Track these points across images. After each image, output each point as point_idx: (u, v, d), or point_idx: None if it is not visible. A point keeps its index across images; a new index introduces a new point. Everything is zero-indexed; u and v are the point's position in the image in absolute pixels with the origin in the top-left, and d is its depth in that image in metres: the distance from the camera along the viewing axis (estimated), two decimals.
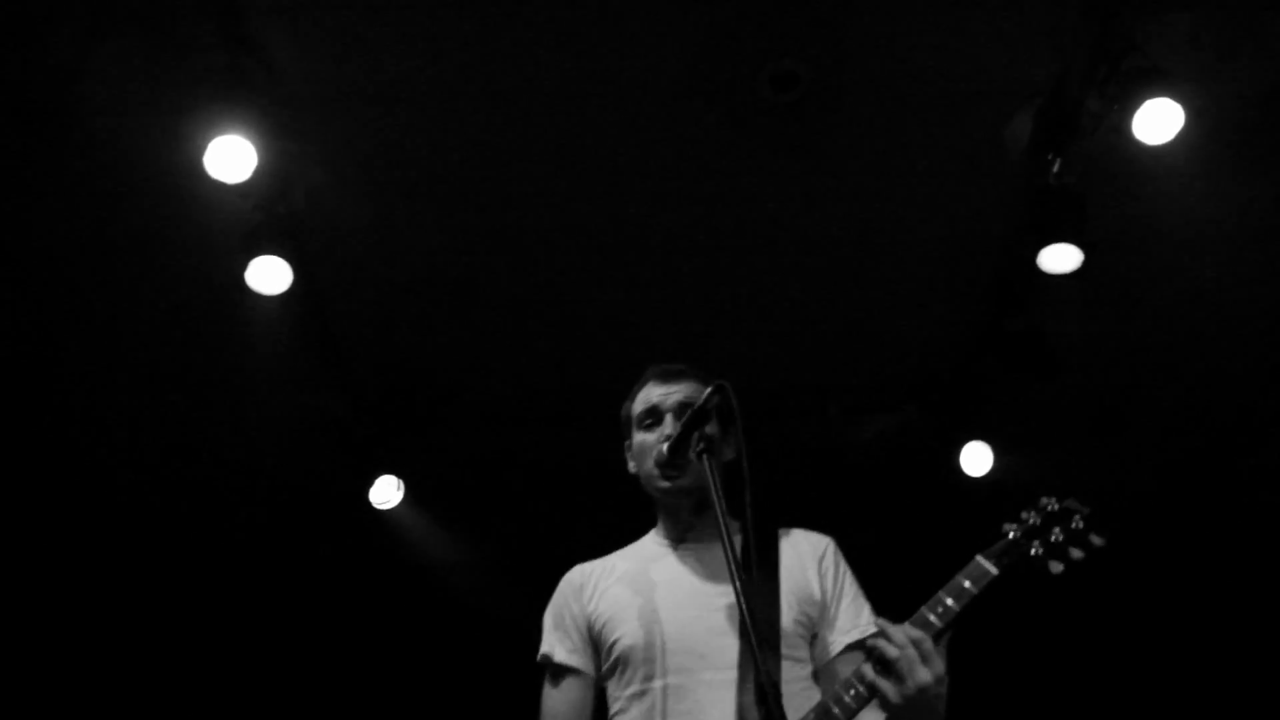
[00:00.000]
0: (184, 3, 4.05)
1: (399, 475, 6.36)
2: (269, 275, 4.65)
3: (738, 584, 2.11)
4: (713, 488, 2.30)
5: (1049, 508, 2.42)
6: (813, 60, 4.48)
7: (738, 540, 2.62)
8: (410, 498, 6.41)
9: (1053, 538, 2.37)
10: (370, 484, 6.29)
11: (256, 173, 4.25)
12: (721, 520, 2.22)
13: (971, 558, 2.37)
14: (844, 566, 2.75)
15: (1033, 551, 2.36)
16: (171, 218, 4.83)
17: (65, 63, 4.26)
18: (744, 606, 2.09)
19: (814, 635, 2.60)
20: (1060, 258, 4.78)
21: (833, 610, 2.63)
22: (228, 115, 4.14)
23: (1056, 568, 2.35)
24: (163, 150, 4.42)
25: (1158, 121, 4.18)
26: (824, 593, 2.64)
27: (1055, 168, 4.68)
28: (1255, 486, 6.78)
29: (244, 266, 4.61)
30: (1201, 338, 5.78)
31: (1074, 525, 2.38)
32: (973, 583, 2.32)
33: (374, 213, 5.03)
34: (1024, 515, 2.43)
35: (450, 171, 4.90)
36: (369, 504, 6.31)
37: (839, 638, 2.59)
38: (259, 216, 4.60)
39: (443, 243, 5.24)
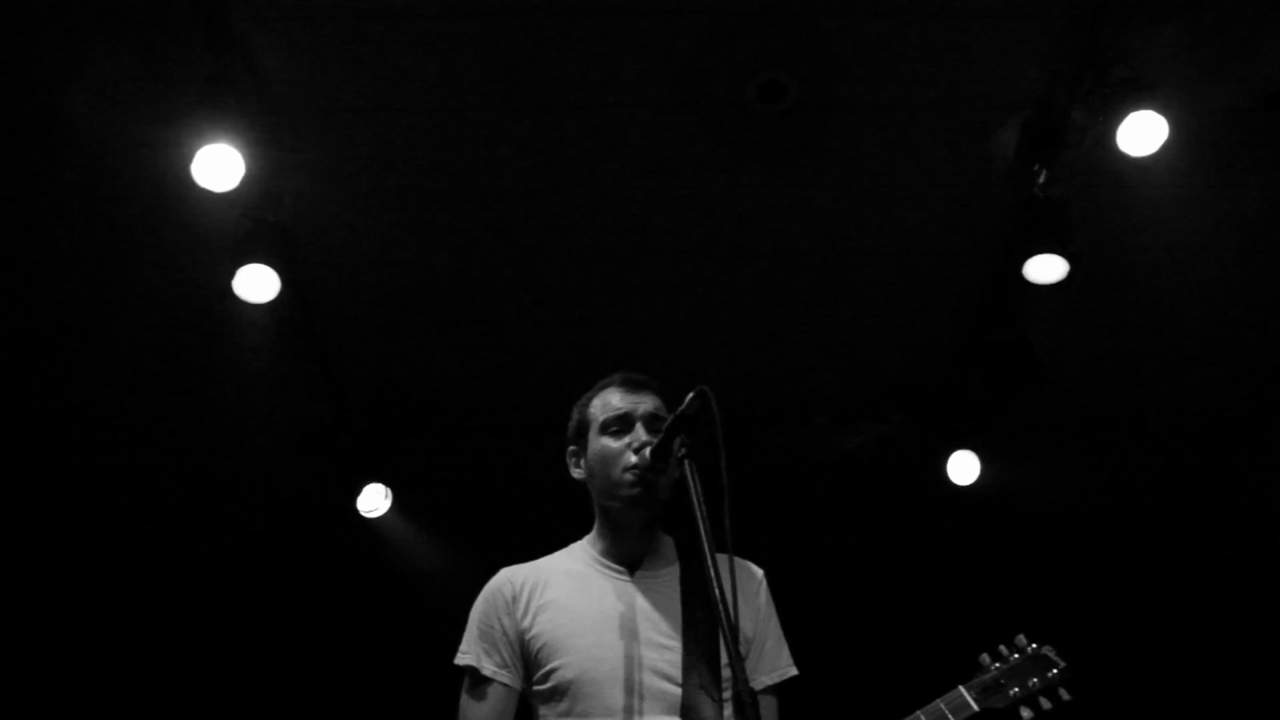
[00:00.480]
0: (173, 12, 4.05)
1: (387, 483, 6.35)
2: (257, 283, 4.64)
3: (723, 600, 2.11)
4: (693, 491, 2.26)
5: (1028, 650, 2.60)
6: (800, 71, 4.50)
7: (677, 568, 2.63)
8: (398, 506, 6.40)
9: (1030, 684, 2.55)
10: (358, 492, 6.28)
11: (244, 181, 4.25)
12: (702, 526, 2.20)
13: (953, 686, 2.55)
14: (772, 604, 2.72)
15: (1014, 696, 2.53)
16: (159, 226, 4.83)
17: (53, 70, 4.26)
18: (726, 630, 2.09)
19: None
20: (1045, 268, 4.80)
21: (758, 649, 2.61)
22: (216, 124, 4.13)
23: (1027, 714, 2.52)
24: (151, 158, 4.43)
25: (1142, 134, 4.22)
26: (755, 630, 2.62)
27: (1041, 179, 4.72)
28: (1240, 493, 6.81)
29: (232, 275, 4.60)
30: (1185, 347, 5.81)
31: (1050, 675, 2.57)
32: (953, 714, 2.51)
33: (362, 222, 5.04)
34: (1003, 651, 2.61)
35: (438, 181, 4.91)
36: (357, 512, 6.31)
37: (760, 678, 2.58)
38: (247, 225, 4.60)
39: (431, 252, 5.25)
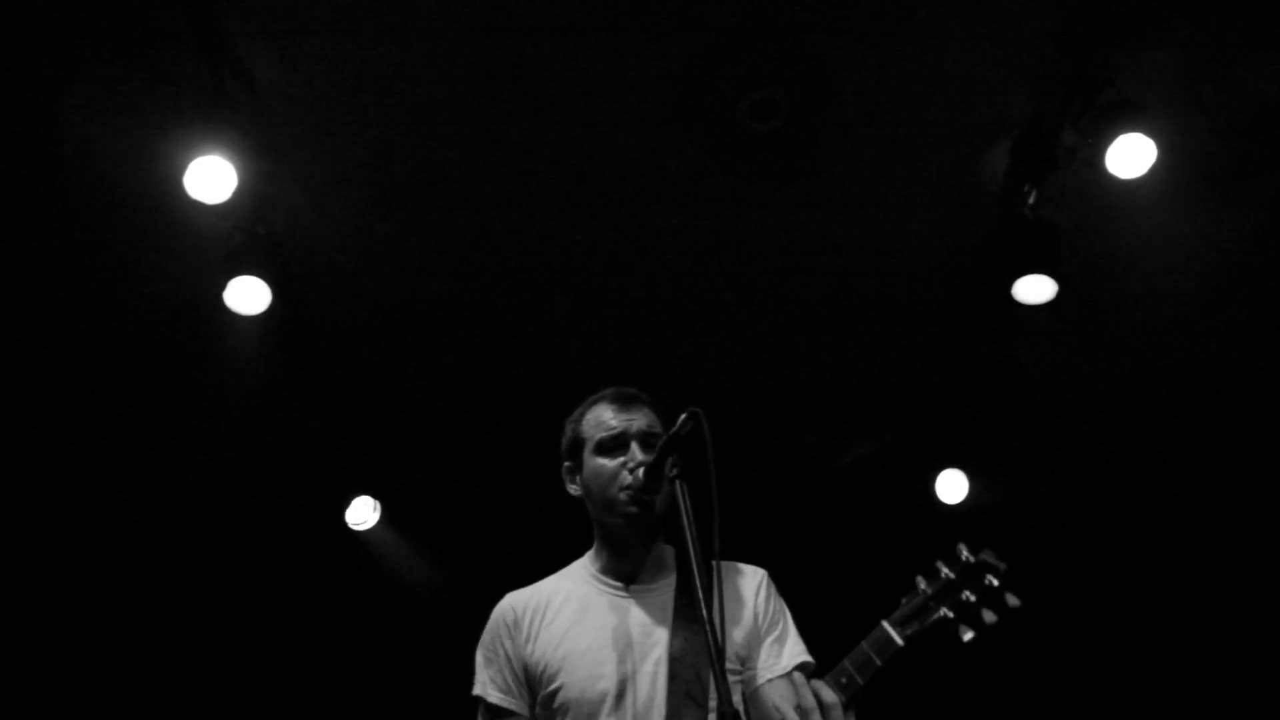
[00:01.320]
0: (167, 25, 4.06)
1: (375, 496, 6.35)
2: (248, 295, 4.64)
3: (711, 622, 2.11)
4: (683, 512, 2.26)
5: (964, 558, 2.24)
6: (792, 90, 4.52)
7: (674, 577, 2.62)
8: (386, 518, 6.39)
9: (964, 597, 2.18)
10: (347, 504, 6.28)
11: (236, 193, 4.26)
12: (692, 547, 2.21)
13: (877, 623, 2.23)
14: (776, 600, 2.70)
15: (941, 615, 2.19)
16: (151, 237, 4.83)
17: (47, 81, 4.26)
18: (714, 646, 2.09)
19: (743, 663, 2.59)
20: (1035, 288, 4.83)
21: (763, 644, 2.60)
22: (209, 136, 4.14)
23: (967, 634, 2.18)
24: (144, 170, 4.43)
25: (1131, 156, 4.25)
26: (758, 629, 2.62)
27: (1031, 200, 4.75)
28: (1229, 512, 6.83)
29: (223, 287, 4.60)
30: (1174, 367, 5.84)
31: (988, 583, 2.19)
32: (877, 653, 2.20)
33: (353, 234, 5.05)
34: (938, 566, 2.26)
35: (429, 194, 4.92)
36: (345, 524, 6.30)
37: (764, 671, 2.57)
38: (238, 237, 4.60)
39: (421, 265, 5.25)
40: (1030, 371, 5.48)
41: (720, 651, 2.10)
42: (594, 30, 4.28)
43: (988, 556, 2.22)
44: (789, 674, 2.51)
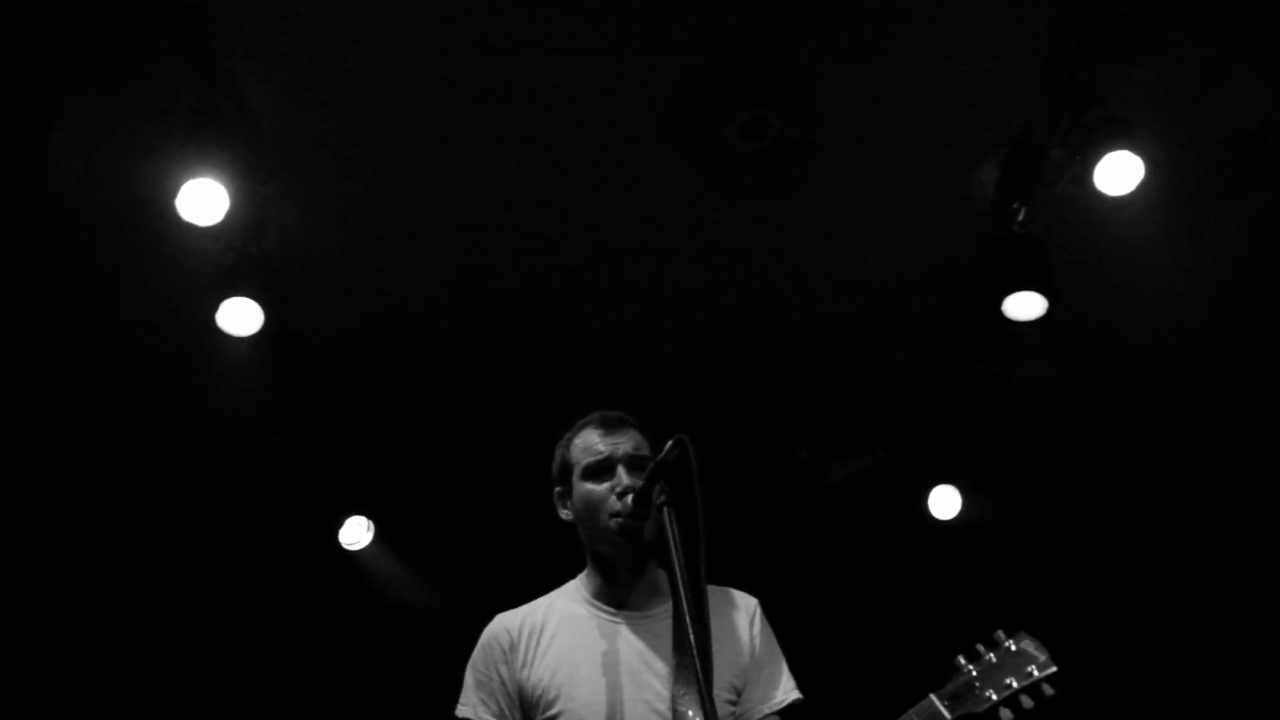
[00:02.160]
0: (158, 47, 4.07)
1: (369, 516, 6.33)
2: (240, 317, 4.65)
3: (695, 652, 2.14)
4: (671, 539, 2.28)
5: (1006, 645, 2.46)
6: (782, 109, 4.54)
7: (669, 605, 2.62)
8: (380, 538, 6.38)
9: (1008, 683, 2.40)
10: (340, 525, 6.26)
11: (229, 215, 4.27)
12: (680, 574, 2.22)
13: (925, 695, 2.42)
14: (767, 632, 2.72)
15: (989, 699, 2.39)
16: (144, 259, 4.83)
17: (39, 103, 4.27)
18: (700, 679, 2.11)
19: (738, 694, 2.61)
20: (1025, 305, 4.85)
21: (756, 677, 2.63)
22: (200, 158, 4.15)
23: (1007, 715, 2.40)
24: (135, 192, 4.43)
25: (1119, 172, 4.28)
26: (752, 662, 2.63)
27: (1020, 216, 4.77)
28: (1220, 528, 6.85)
29: (215, 308, 4.61)
30: (1163, 382, 5.86)
31: (1029, 672, 2.42)
32: None
33: (345, 254, 5.05)
34: (980, 650, 2.48)
35: (421, 214, 4.93)
36: (339, 544, 6.28)
37: (759, 706, 2.60)
38: (231, 258, 4.61)
39: (414, 285, 5.26)
40: (1021, 386, 5.49)
41: (709, 676, 2.12)
42: (585, 49, 4.29)
43: (1028, 646, 2.46)
44: (782, 711, 2.58)
